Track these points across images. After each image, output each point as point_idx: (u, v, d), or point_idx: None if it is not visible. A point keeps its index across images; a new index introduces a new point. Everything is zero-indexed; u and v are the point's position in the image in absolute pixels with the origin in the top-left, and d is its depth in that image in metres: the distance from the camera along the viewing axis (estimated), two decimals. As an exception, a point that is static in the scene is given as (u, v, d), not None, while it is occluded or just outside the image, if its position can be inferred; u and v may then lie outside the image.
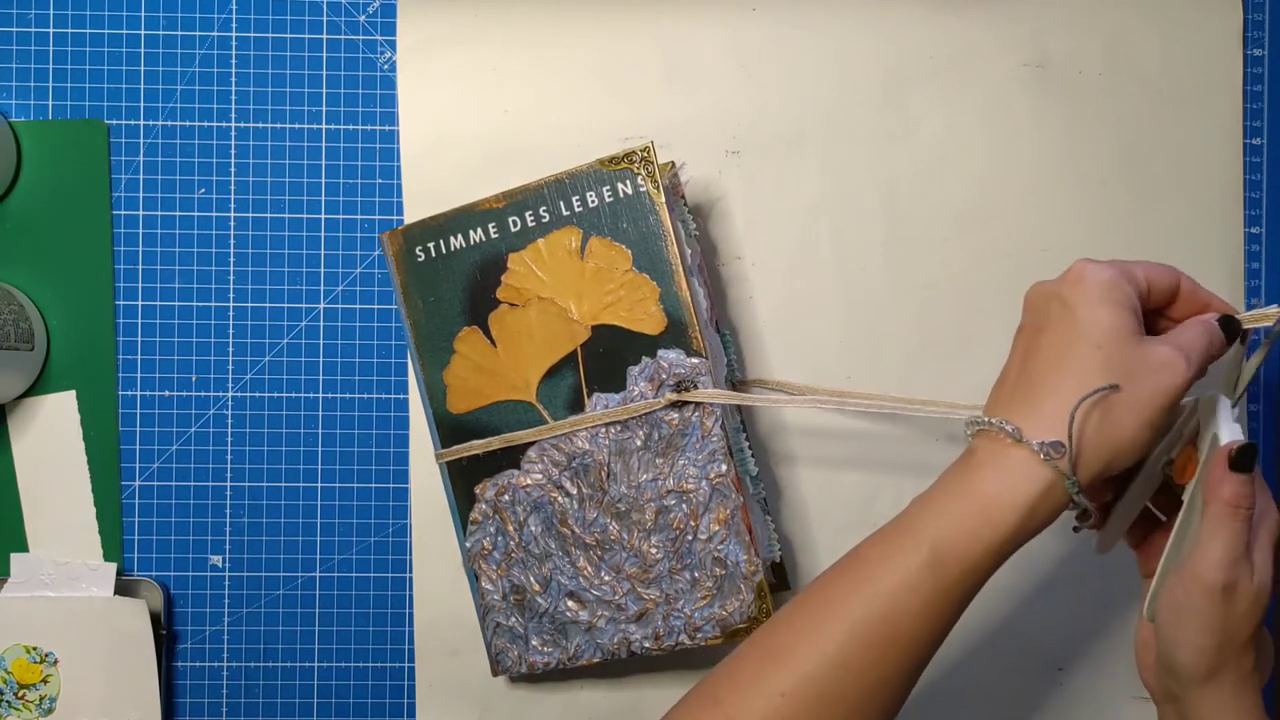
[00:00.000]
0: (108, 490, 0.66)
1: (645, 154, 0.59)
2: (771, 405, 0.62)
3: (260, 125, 0.66)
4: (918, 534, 0.48)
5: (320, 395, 0.66)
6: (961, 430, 0.53)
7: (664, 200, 0.59)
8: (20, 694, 0.64)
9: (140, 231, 0.66)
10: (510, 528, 0.62)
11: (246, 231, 0.66)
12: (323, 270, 0.66)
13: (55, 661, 0.64)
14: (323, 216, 0.66)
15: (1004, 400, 0.51)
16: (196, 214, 0.66)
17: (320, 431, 0.66)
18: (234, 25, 0.66)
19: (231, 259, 0.66)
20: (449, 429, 0.63)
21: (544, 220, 0.61)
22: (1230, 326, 0.51)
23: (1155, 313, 0.53)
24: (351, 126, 0.66)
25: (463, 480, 0.63)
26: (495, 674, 0.64)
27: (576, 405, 0.61)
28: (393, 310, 0.66)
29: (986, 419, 0.49)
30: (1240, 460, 0.49)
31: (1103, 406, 0.48)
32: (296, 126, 0.66)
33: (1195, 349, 0.49)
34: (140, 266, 0.66)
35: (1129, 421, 0.48)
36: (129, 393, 0.66)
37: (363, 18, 0.66)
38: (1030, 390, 0.49)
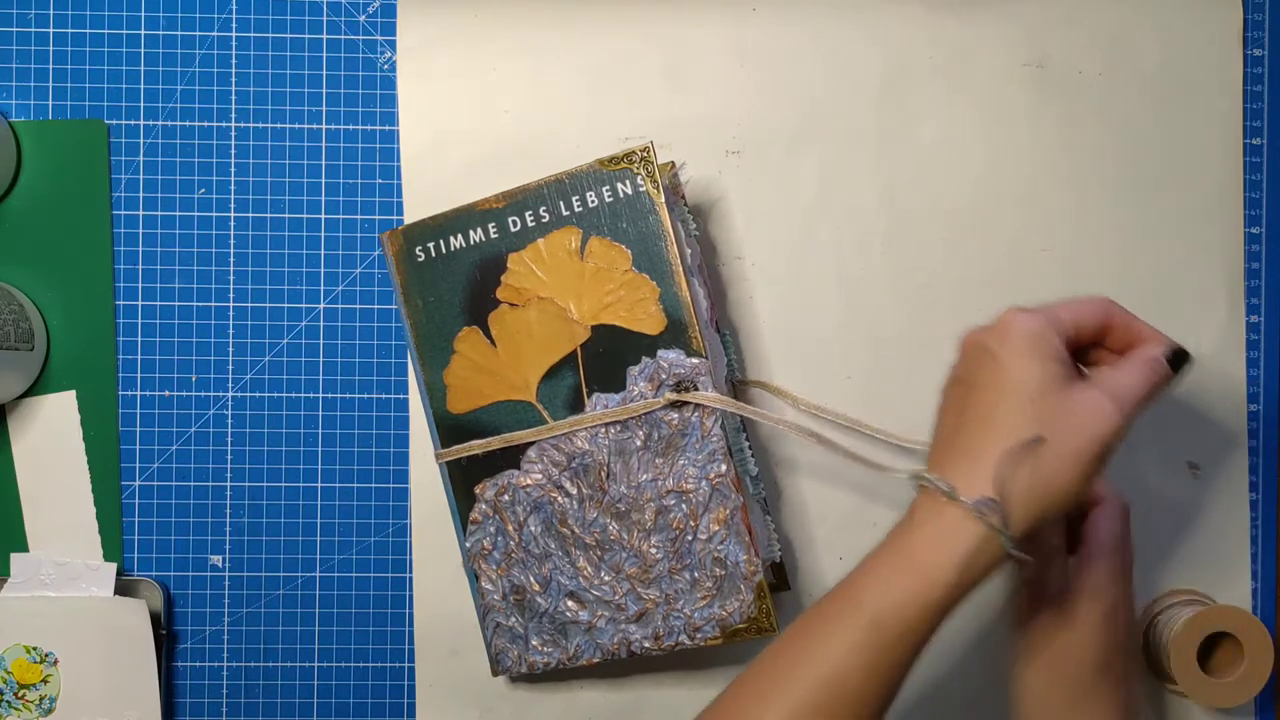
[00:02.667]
0: (108, 490, 0.66)
1: (645, 154, 0.59)
2: (770, 423, 0.62)
3: (260, 125, 0.66)
4: (858, 597, 0.49)
5: (320, 395, 0.66)
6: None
7: (664, 200, 0.59)
8: (20, 694, 0.64)
9: (140, 231, 0.66)
10: (510, 528, 0.62)
11: (246, 231, 0.66)
12: (323, 270, 0.66)
13: (55, 661, 0.64)
14: (323, 216, 0.66)
15: (940, 455, 0.51)
16: (196, 214, 0.66)
17: (320, 431, 0.66)
18: (234, 25, 0.66)
19: (231, 259, 0.66)
20: (449, 429, 0.63)
21: (544, 220, 0.61)
22: (1178, 360, 0.51)
23: (1092, 345, 0.53)
24: (351, 126, 0.66)
25: (463, 480, 0.63)
26: (495, 674, 0.64)
27: (576, 405, 0.61)
28: (393, 310, 0.66)
29: (925, 476, 0.50)
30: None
31: (1033, 459, 0.48)
32: (296, 126, 0.66)
33: (1128, 392, 0.49)
34: (140, 266, 0.66)
35: (1061, 473, 0.48)
36: (129, 393, 0.66)
37: (363, 18, 0.66)
38: (965, 445, 0.50)
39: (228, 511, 0.66)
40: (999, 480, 0.48)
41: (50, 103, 0.66)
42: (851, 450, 0.61)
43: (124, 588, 0.65)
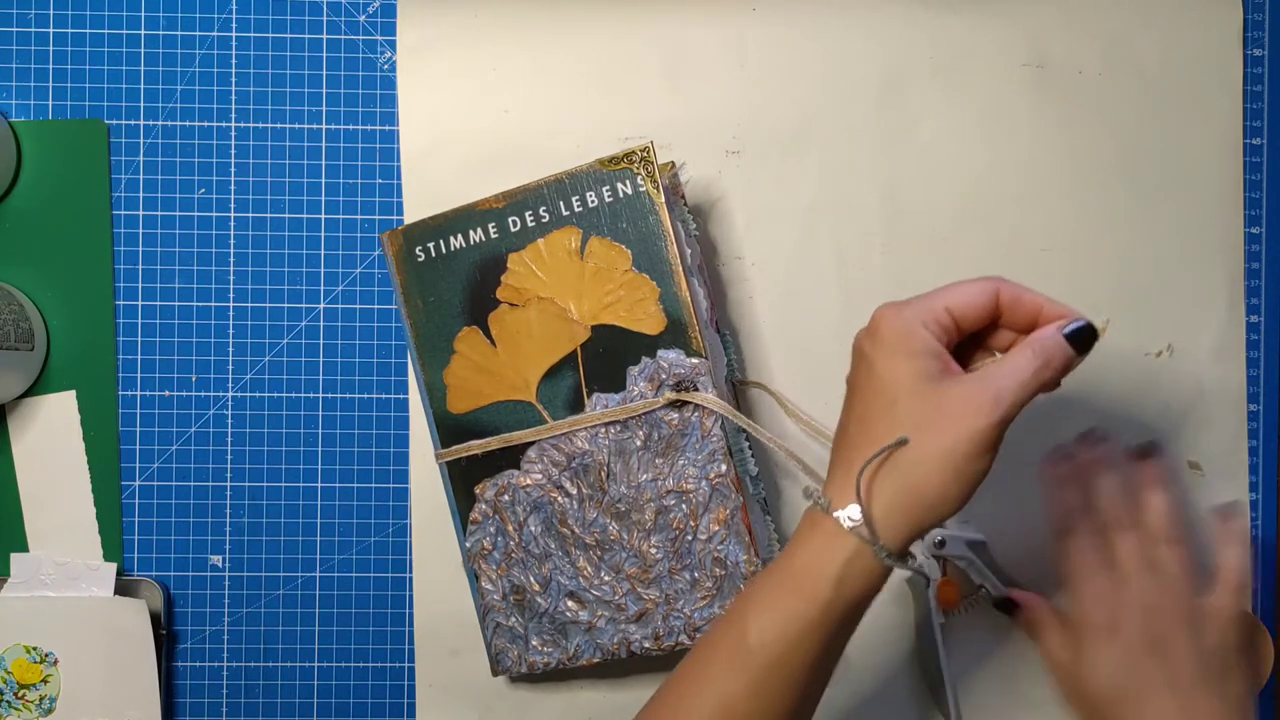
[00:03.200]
0: (108, 490, 0.66)
1: (645, 154, 0.59)
2: (763, 438, 0.62)
3: (260, 125, 0.66)
4: (745, 620, 0.48)
5: (320, 395, 0.66)
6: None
7: (664, 200, 0.59)
8: (20, 694, 0.64)
9: (140, 231, 0.66)
10: (510, 528, 0.62)
11: (246, 231, 0.66)
12: (323, 270, 0.66)
13: (55, 661, 0.64)
14: (323, 216, 0.66)
15: (831, 466, 0.49)
16: (196, 214, 0.66)
17: (320, 431, 0.66)
18: (234, 25, 0.66)
19: (231, 259, 0.66)
20: (449, 429, 0.63)
21: (544, 220, 0.61)
22: (1083, 336, 0.48)
23: (993, 329, 0.50)
24: (351, 126, 0.66)
25: (463, 480, 0.63)
26: (495, 674, 0.64)
27: (576, 405, 0.61)
28: (393, 310, 0.66)
29: (807, 488, 0.48)
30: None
31: (903, 465, 0.46)
32: (296, 126, 0.66)
33: (1012, 381, 0.46)
34: (140, 266, 0.66)
35: (932, 478, 0.45)
36: (129, 393, 0.66)
37: (363, 18, 0.66)
38: (844, 452, 0.48)
39: (228, 511, 0.66)
40: (858, 487, 0.46)
41: (50, 103, 0.66)
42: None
43: (124, 588, 0.65)
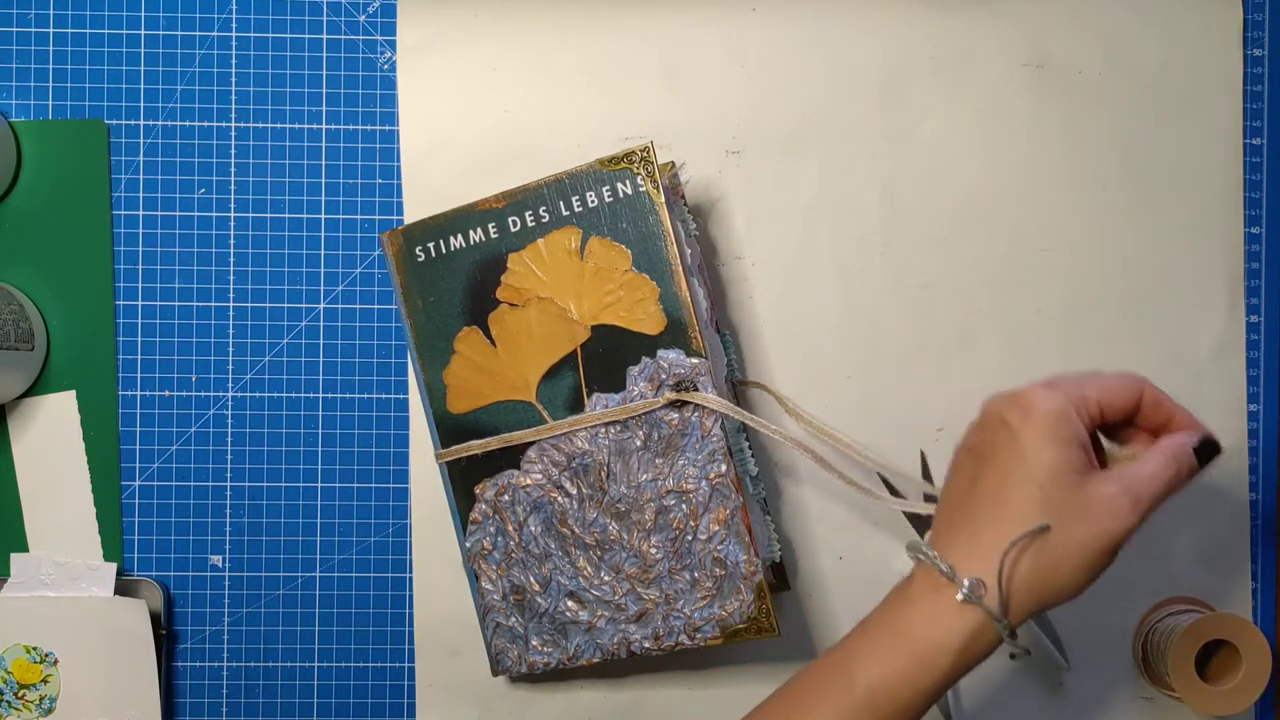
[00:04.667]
0: (108, 490, 0.66)
1: (645, 154, 0.59)
2: (767, 431, 0.62)
3: (260, 125, 0.66)
4: (852, 673, 0.48)
5: (320, 395, 0.66)
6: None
7: (664, 200, 0.59)
8: (20, 694, 0.64)
9: (140, 231, 0.66)
10: (510, 528, 0.62)
11: (246, 231, 0.66)
12: (323, 270, 0.66)
13: (55, 661, 0.64)
14: (323, 216, 0.66)
15: (944, 526, 0.50)
16: (196, 214, 0.66)
17: (320, 431, 0.66)
18: (234, 25, 0.66)
19: (231, 259, 0.66)
20: (449, 429, 0.63)
21: (544, 220, 0.61)
22: (1208, 452, 0.49)
23: (1123, 423, 0.51)
24: (351, 126, 0.66)
25: (463, 480, 0.63)
26: (495, 674, 0.64)
27: (576, 405, 0.61)
28: (393, 310, 0.66)
29: (924, 552, 0.48)
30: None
31: (1037, 548, 0.47)
32: (296, 126, 0.66)
33: (1150, 488, 0.47)
34: (140, 266, 0.66)
35: (1065, 566, 0.47)
36: (129, 393, 0.66)
37: (363, 18, 0.66)
38: (971, 521, 0.48)
39: (228, 511, 0.66)
40: (1002, 566, 0.46)
41: (50, 103, 0.66)
42: (847, 474, 0.61)
43: (124, 588, 0.65)
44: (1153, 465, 0.48)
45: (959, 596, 0.47)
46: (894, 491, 0.65)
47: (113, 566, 0.65)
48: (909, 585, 0.49)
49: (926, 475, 0.66)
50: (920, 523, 0.66)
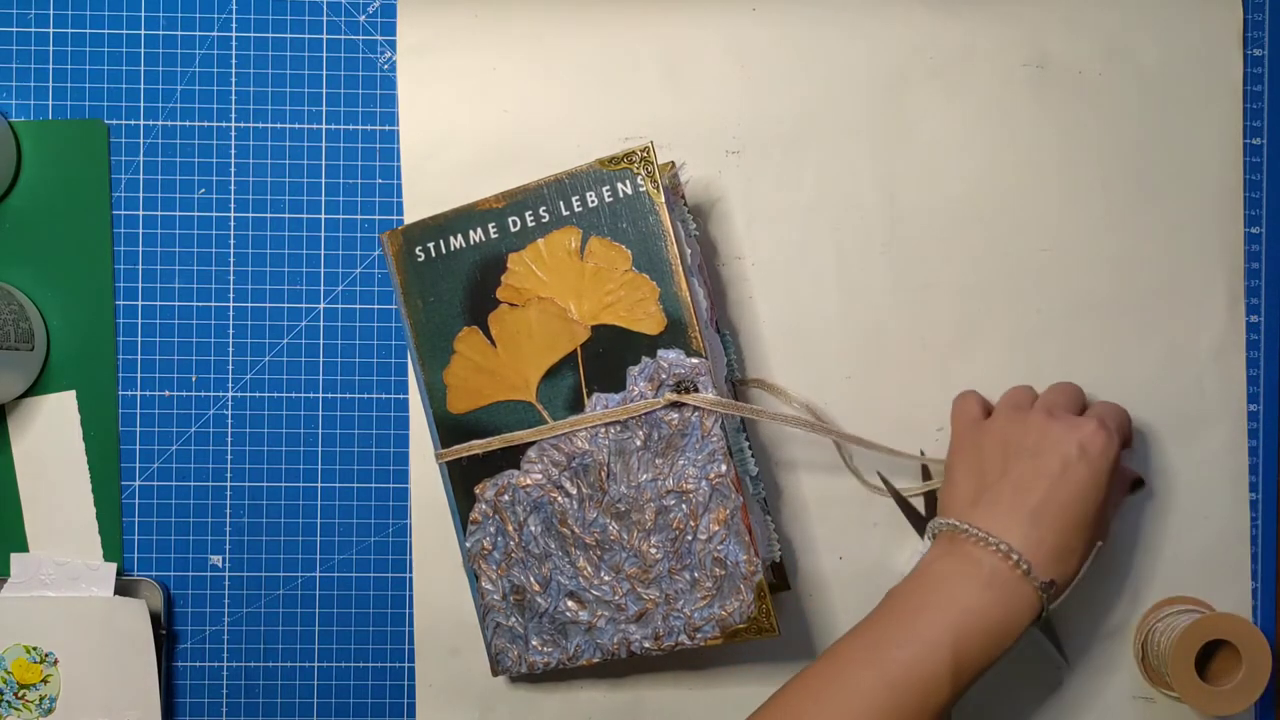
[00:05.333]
0: (108, 490, 0.66)
1: (645, 154, 0.59)
2: (768, 420, 0.62)
3: (260, 125, 0.66)
4: (885, 654, 0.53)
5: (320, 395, 0.66)
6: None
7: (664, 200, 0.59)
8: (20, 694, 0.64)
9: (140, 231, 0.66)
10: (510, 528, 0.62)
11: (246, 231, 0.66)
12: (323, 270, 0.66)
13: (55, 661, 0.64)
14: (323, 216, 0.66)
15: (968, 504, 0.58)
16: (196, 214, 0.66)
17: (320, 431, 0.66)
18: (234, 25, 0.66)
19: (231, 259, 0.66)
20: (449, 429, 0.63)
21: (544, 220, 0.61)
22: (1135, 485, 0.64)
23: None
24: (351, 126, 0.66)
25: (463, 480, 0.63)
26: (495, 674, 0.64)
27: (576, 405, 0.61)
28: (393, 310, 0.66)
29: (1007, 548, 0.54)
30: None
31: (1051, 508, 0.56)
32: (296, 126, 0.66)
33: (1116, 507, 0.63)
34: (140, 266, 0.66)
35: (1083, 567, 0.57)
36: (129, 393, 0.66)
37: (363, 18, 0.66)
38: (1037, 524, 0.55)
39: (228, 511, 0.66)
40: (1067, 574, 0.56)
41: (50, 103, 0.66)
42: (855, 435, 0.63)
43: (124, 588, 0.65)
44: (1118, 496, 0.63)
45: (1039, 591, 0.54)
46: (894, 491, 0.65)
47: (113, 566, 0.65)
48: (978, 568, 0.54)
49: (926, 476, 0.66)
50: (920, 522, 0.66)
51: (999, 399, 0.63)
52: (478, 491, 0.63)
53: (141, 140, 0.66)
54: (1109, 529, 0.59)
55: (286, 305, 0.66)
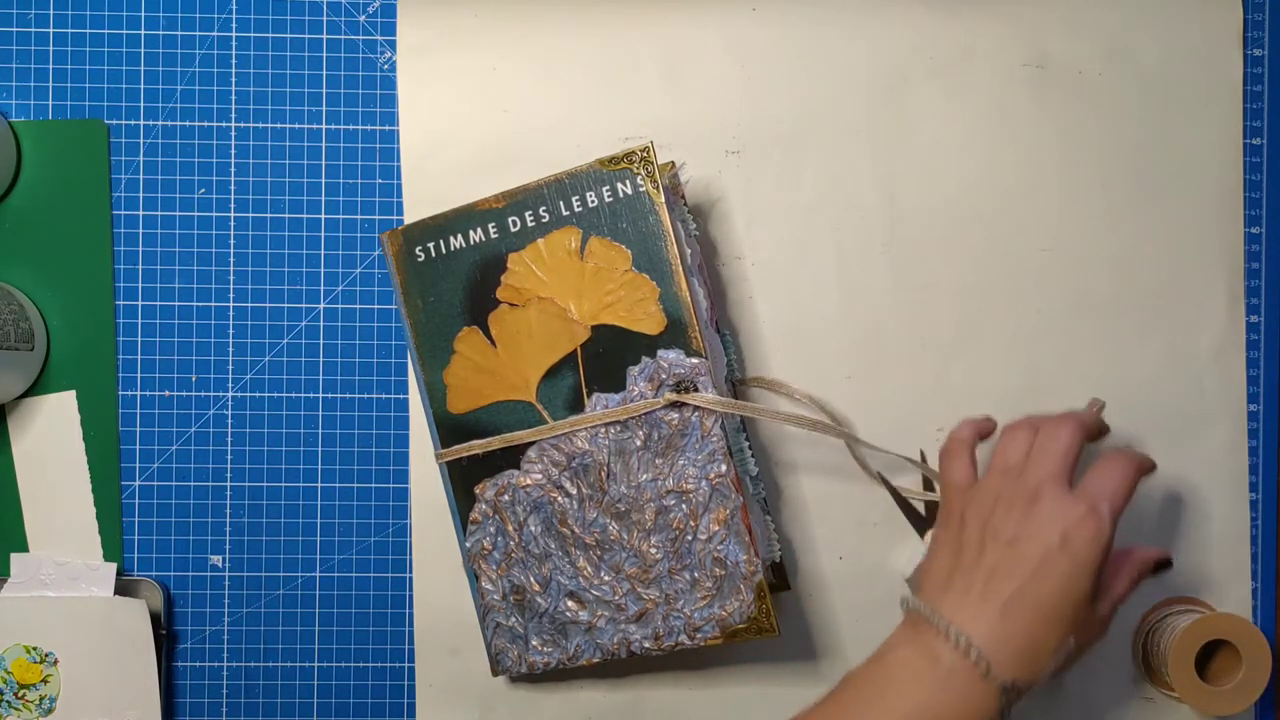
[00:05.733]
0: (108, 490, 0.66)
1: (645, 154, 0.59)
2: (768, 420, 0.62)
3: (260, 125, 0.66)
4: None
5: (320, 395, 0.66)
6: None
7: (664, 200, 0.59)
8: (20, 694, 0.64)
9: (140, 231, 0.66)
10: (510, 528, 0.62)
11: (246, 231, 0.66)
12: (323, 270, 0.66)
13: (55, 661, 0.64)
14: (323, 216, 0.66)
15: (940, 586, 0.54)
16: (196, 214, 0.66)
17: (320, 431, 0.66)
18: (234, 25, 0.66)
19: (231, 259, 0.66)
20: (449, 429, 0.63)
21: (544, 220, 0.61)
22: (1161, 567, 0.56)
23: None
24: (351, 126, 0.66)
25: (463, 480, 0.63)
26: (495, 674, 0.64)
27: (576, 405, 0.61)
28: (393, 310, 0.66)
29: (967, 644, 0.50)
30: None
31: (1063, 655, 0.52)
32: (296, 126, 0.66)
33: (1119, 598, 0.54)
34: (140, 266, 0.66)
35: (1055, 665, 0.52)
36: (129, 393, 0.66)
37: (363, 18, 0.66)
38: (1006, 618, 0.51)
39: (228, 511, 0.66)
40: (1035, 673, 0.51)
41: (50, 103, 0.66)
42: (854, 435, 0.62)
43: (124, 588, 0.65)
44: (1122, 586, 0.55)
45: (999, 695, 0.50)
46: (894, 491, 0.65)
47: (113, 566, 0.65)
48: (937, 664, 0.51)
49: (928, 486, 0.66)
50: (920, 522, 0.66)
51: (993, 453, 0.56)
52: (478, 491, 0.63)
53: (141, 140, 0.66)
54: (1105, 624, 0.53)
55: (286, 305, 0.66)
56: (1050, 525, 0.52)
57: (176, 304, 0.66)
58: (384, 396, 0.66)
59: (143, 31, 0.66)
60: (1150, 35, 0.66)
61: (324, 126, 0.66)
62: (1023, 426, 0.56)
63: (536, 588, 0.62)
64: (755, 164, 0.66)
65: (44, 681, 0.64)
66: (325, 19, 0.66)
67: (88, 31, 0.66)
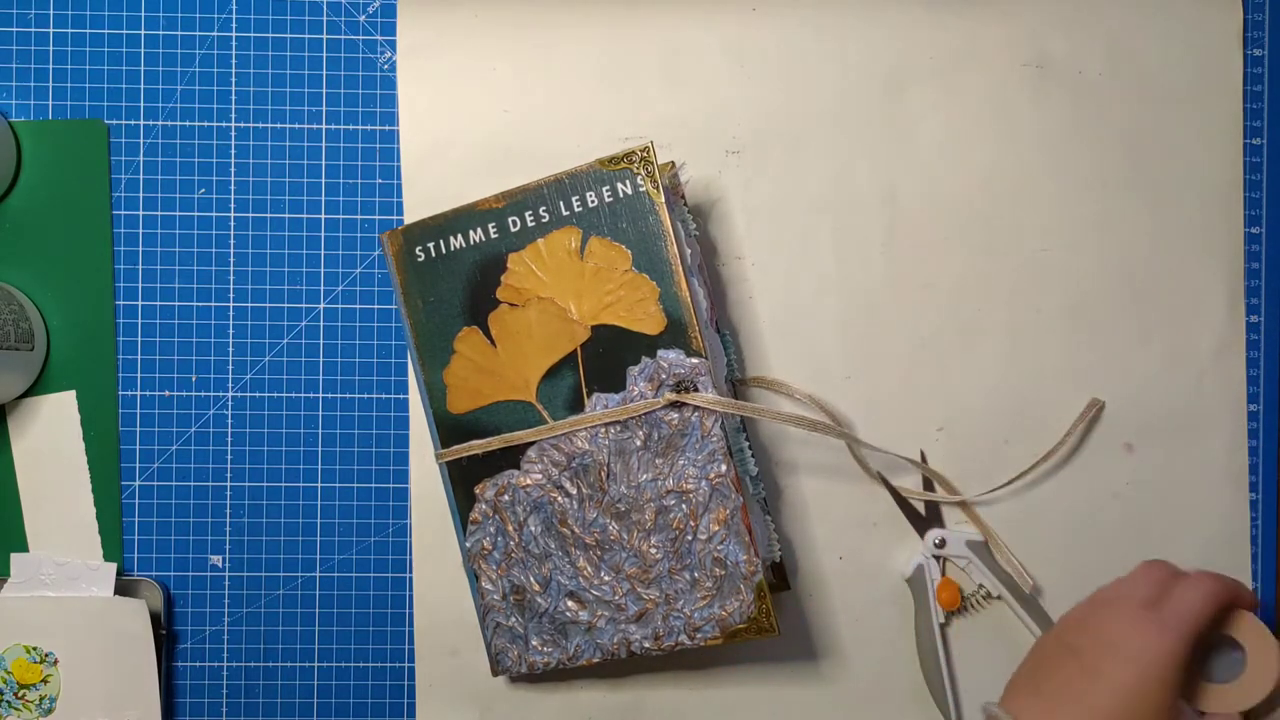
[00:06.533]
0: (108, 490, 0.66)
1: (645, 154, 0.59)
2: (769, 419, 0.62)
3: (260, 125, 0.66)
4: None
5: (320, 395, 0.66)
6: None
7: (664, 200, 0.59)
8: (20, 694, 0.64)
9: (140, 231, 0.66)
10: (510, 528, 0.62)
11: (246, 231, 0.66)
12: (323, 270, 0.66)
13: (55, 661, 0.64)
14: (323, 216, 0.66)
15: (1037, 707, 0.52)
16: (196, 214, 0.66)
17: (320, 431, 0.66)
18: (234, 25, 0.66)
19: (231, 259, 0.66)
20: (449, 429, 0.63)
21: (544, 220, 0.61)
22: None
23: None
24: (351, 126, 0.66)
25: (463, 480, 0.63)
26: (495, 674, 0.64)
27: (576, 405, 0.61)
28: (393, 310, 0.66)
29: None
30: None
31: None
32: (296, 126, 0.66)
33: None
34: (140, 266, 0.66)
35: None
36: (129, 393, 0.66)
37: (363, 18, 0.66)
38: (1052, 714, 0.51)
39: (228, 511, 0.66)
40: None
41: (50, 103, 0.66)
42: (854, 435, 0.62)
43: (124, 588, 0.65)
44: None
45: None
46: (894, 491, 0.65)
47: (113, 566, 0.65)
48: None
49: (928, 487, 0.66)
50: (920, 522, 0.66)
51: (1118, 581, 0.56)
52: (478, 491, 0.63)
53: (141, 140, 0.66)
54: None
55: (286, 305, 0.66)
56: (1116, 636, 0.52)
57: (176, 304, 0.66)
58: (384, 396, 0.66)
59: (143, 31, 0.66)
60: (1150, 35, 0.66)
61: (324, 126, 0.66)
62: (1161, 567, 0.55)
63: (536, 588, 0.62)
64: (755, 164, 0.66)
65: (44, 681, 0.64)
66: (325, 19, 0.66)
67: (88, 31, 0.66)
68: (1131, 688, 0.50)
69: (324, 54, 0.66)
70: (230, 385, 0.66)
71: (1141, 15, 0.66)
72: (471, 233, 0.62)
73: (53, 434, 0.66)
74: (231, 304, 0.66)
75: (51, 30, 0.66)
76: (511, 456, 0.62)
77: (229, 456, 0.66)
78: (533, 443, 0.61)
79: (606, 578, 0.61)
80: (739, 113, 0.66)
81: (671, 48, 0.66)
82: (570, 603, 0.62)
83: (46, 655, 0.64)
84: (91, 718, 0.64)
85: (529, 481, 0.62)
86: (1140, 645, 0.51)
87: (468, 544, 0.63)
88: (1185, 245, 0.66)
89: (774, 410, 0.60)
